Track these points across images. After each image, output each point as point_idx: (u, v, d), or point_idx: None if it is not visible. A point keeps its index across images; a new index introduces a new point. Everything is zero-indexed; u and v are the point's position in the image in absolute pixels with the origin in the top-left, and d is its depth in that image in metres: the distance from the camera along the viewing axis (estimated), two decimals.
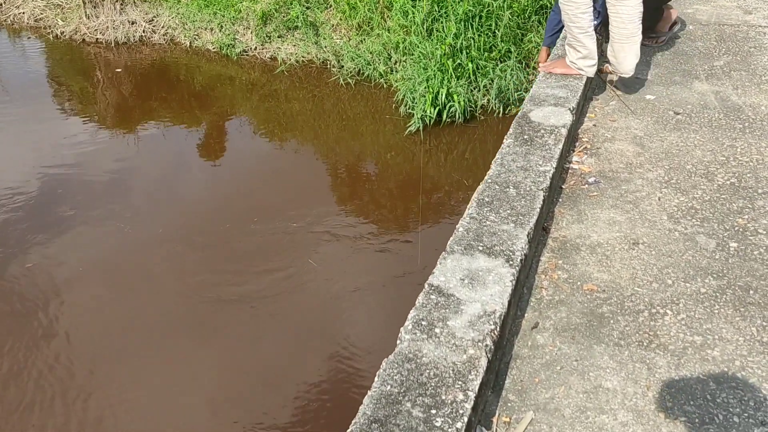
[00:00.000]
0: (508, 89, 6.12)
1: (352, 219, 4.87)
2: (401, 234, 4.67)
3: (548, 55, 4.18)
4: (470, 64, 6.16)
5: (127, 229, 4.71)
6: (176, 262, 4.35)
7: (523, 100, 3.11)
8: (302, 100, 7.00)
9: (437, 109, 5.96)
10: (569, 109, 2.93)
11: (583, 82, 3.19)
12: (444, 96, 5.94)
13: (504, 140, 2.72)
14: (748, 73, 3.42)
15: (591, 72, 3.25)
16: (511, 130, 2.80)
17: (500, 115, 6.13)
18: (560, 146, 2.66)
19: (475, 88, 6.28)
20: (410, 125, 6.03)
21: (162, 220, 4.85)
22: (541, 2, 6.45)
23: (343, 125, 6.59)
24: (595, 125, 3.09)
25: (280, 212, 4.89)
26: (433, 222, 4.81)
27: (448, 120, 6.06)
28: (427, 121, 5.99)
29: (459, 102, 5.98)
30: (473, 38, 6.31)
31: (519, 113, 2.94)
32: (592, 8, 3.13)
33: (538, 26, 6.50)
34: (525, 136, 2.74)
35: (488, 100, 6.24)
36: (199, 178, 5.62)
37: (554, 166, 2.53)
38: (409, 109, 6.20)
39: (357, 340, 3.60)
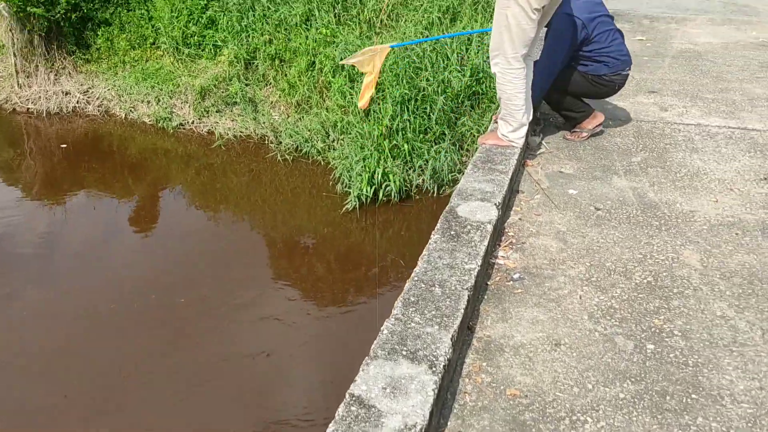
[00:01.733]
0: (443, 170, 6.25)
1: (284, 297, 4.79)
2: (333, 315, 4.61)
3: None
4: (406, 145, 6.28)
5: (48, 303, 4.50)
6: (93, 338, 4.16)
7: (457, 181, 3.19)
8: (239, 174, 6.96)
9: (373, 187, 6.02)
10: (495, 204, 3.01)
11: (509, 176, 3.30)
12: (380, 175, 6.01)
13: (431, 236, 2.76)
14: (664, 170, 3.61)
15: (520, 143, 3.57)
16: (438, 225, 2.84)
17: (435, 195, 6.23)
18: (486, 243, 2.71)
19: (410, 169, 6.39)
20: (347, 203, 6.05)
21: (85, 294, 4.66)
22: (473, 88, 6.70)
23: (280, 201, 6.57)
24: (520, 219, 3.18)
25: (209, 288, 4.78)
26: (365, 303, 4.78)
27: (384, 199, 6.11)
28: (364, 200, 6.02)
29: (395, 182, 6.05)
30: (409, 120, 6.46)
31: (447, 208, 3.00)
32: (528, 90, 3.45)
33: (470, 110, 6.72)
34: (452, 232, 2.79)
35: (423, 180, 6.34)
36: (127, 252, 5.46)
37: (479, 263, 2.57)
38: (345, 187, 6.24)
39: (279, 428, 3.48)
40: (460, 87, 6.65)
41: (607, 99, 4.53)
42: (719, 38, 6.48)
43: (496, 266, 2.81)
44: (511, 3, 3.31)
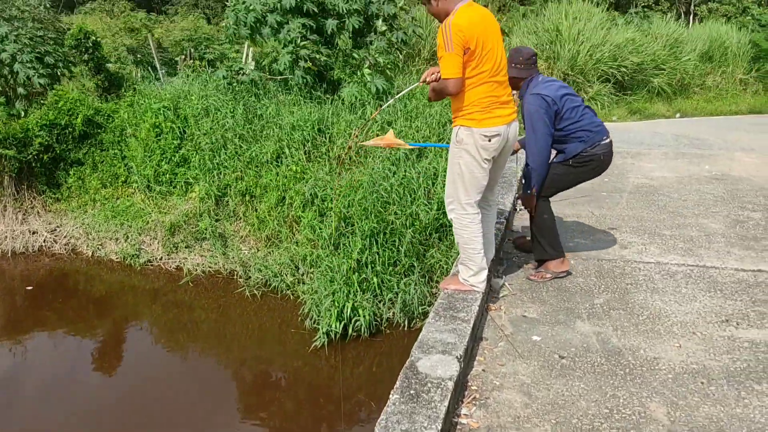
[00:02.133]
0: (413, 303, 6.19)
1: None
2: None
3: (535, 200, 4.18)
4: (375, 279, 6.25)
5: None
6: None
7: (427, 313, 3.14)
8: (207, 311, 6.84)
9: (343, 323, 5.92)
10: (457, 357, 2.94)
11: (471, 324, 3.25)
12: (349, 310, 5.93)
13: (390, 395, 2.66)
14: (626, 312, 3.60)
15: (482, 287, 3.58)
16: (398, 383, 2.75)
17: (406, 328, 6.14)
18: (446, 402, 2.61)
19: (380, 302, 6.32)
20: (315, 339, 5.92)
21: None
22: (440, 221, 6.80)
23: (248, 338, 6.42)
24: (484, 370, 3.10)
25: (176, 428, 4.57)
26: None
27: (354, 334, 6.00)
28: (333, 336, 5.90)
29: (364, 316, 5.97)
30: (378, 253, 6.48)
31: (407, 363, 2.92)
32: (482, 233, 3.54)
33: (438, 242, 6.78)
34: (411, 391, 2.69)
35: (393, 313, 6.26)
36: (89, 393, 5.26)
37: (440, 428, 2.46)
38: (314, 322, 6.13)
39: None
40: (428, 220, 6.74)
41: (568, 236, 4.61)
42: (674, 172, 6.69)
43: (459, 426, 2.70)
44: (463, 153, 3.44)
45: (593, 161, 4.12)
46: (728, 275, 3.94)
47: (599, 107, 12.63)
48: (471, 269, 3.58)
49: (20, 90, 10.23)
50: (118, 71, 10.56)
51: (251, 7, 8.46)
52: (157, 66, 11.15)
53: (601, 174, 4.30)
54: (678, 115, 13.41)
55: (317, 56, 8.21)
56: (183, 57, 11.75)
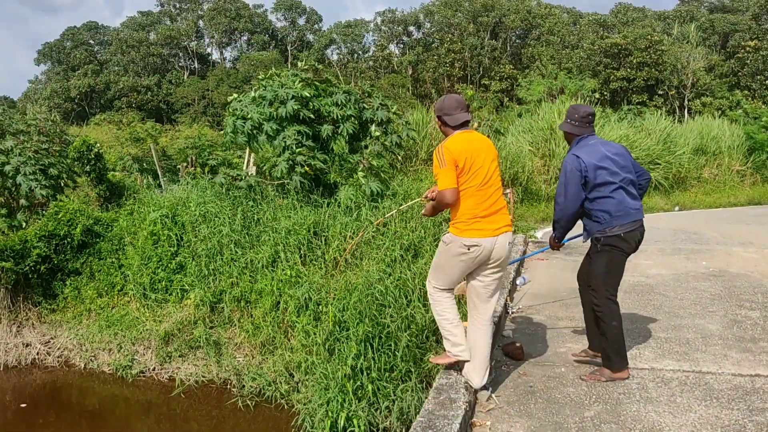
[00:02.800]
0: (410, 411, 5.98)
1: None
2: None
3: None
4: (370, 386, 6.07)
5: None
6: None
7: None
8: (199, 423, 6.65)
9: None
10: None
11: None
12: (343, 420, 5.72)
13: None
14: (619, 426, 3.39)
15: (465, 356, 3.82)
16: None
17: None
18: None
19: (376, 410, 6.11)
20: None
21: None
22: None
23: None
24: None
25: None
26: None
27: None
28: None
29: (359, 426, 5.75)
30: (374, 358, 6.33)
31: None
32: (455, 302, 3.88)
33: (435, 345, 6.63)
34: None
35: (390, 422, 6.03)
36: None
37: None
38: None
39: None
40: (424, 322, 6.63)
41: (560, 341, 4.48)
42: (670, 269, 6.55)
43: None
44: (446, 252, 3.87)
45: (613, 247, 4.05)
46: (725, 381, 3.74)
47: None
48: (449, 340, 3.91)
49: (22, 201, 10.43)
50: (119, 181, 10.78)
51: (248, 116, 8.72)
52: (159, 173, 11.40)
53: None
54: (677, 208, 13.48)
55: (312, 162, 8.37)
56: (185, 165, 12.03)
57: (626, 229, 4.02)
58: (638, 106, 27.82)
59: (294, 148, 8.44)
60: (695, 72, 37.42)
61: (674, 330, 4.62)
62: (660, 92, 37.55)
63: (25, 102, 54.68)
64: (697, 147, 16.14)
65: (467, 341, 3.88)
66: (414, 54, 52.31)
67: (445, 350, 4.05)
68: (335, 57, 59.05)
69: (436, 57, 48.92)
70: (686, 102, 37.28)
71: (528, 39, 51.26)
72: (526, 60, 48.76)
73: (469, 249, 3.70)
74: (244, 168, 10.38)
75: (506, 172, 12.59)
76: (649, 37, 36.73)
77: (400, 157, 13.53)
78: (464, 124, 3.84)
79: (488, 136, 14.75)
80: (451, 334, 3.87)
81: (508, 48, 51.66)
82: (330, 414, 5.76)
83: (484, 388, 3.87)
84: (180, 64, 62.29)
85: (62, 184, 11.12)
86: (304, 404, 6.20)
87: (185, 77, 58.66)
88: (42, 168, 10.74)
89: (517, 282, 6.48)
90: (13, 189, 10.59)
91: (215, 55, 64.99)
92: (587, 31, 45.23)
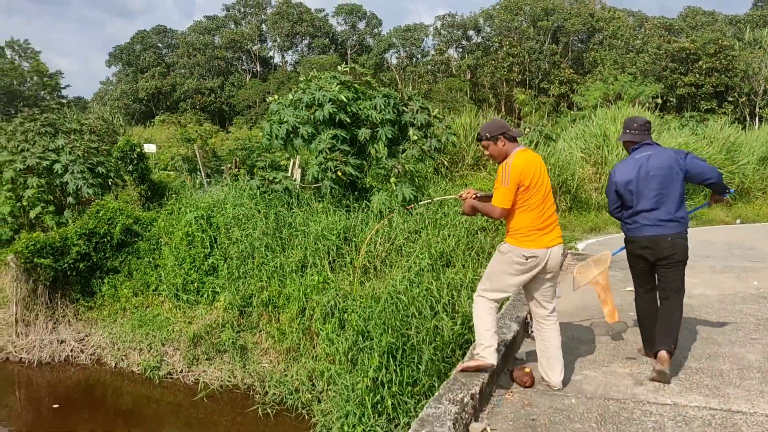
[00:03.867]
0: None
1: None
2: None
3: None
4: (390, 400, 5.84)
5: None
6: None
7: None
8: (217, 429, 6.57)
9: None
10: None
11: None
12: None
13: None
14: None
15: (492, 360, 3.86)
16: None
17: None
18: None
19: (396, 425, 5.87)
20: None
21: None
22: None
23: None
24: None
25: None
26: None
27: None
28: None
29: None
30: (396, 371, 6.10)
31: None
32: (495, 313, 3.99)
33: (462, 358, 6.35)
34: None
35: None
36: None
37: None
38: None
39: None
40: (451, 335, 6.36)
41: (576, 368, 4.12)
42: (717, 289, 5.89)
43: None
44: (503, 261, 3.97)
45: (631, 255, 4.40)
46: (756, 424, 3.23)
47: None
48: (482, 344, 3.94)
49: (70, 199, 10.67)
50: (162, 181, 10.90)
51: (284, 119, 8.64)
52: (201, 174, 11.47)
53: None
54: (738, 221, 12.71)
55: (344, 167, 8.21)
56: (229, 166, 12.08)
57: (639, 247, 4.29)
58: (703, 114, 26.58)
59: (327, 152, 8.29)
60: (767, 78, 35.58)
61: (708, 359, 4.11)
62: (730, 99, 35.81)
63: (96, 102, 56.76)
64: (763, 156, 15.21)
65: (537, 344, 4.06)
66: (473, 58, 51.70)
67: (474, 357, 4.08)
68: (394, 61, 58.98)
69: (494, 61, 48.21)
70: (757, 109, 35.48)
71: (590, 43, 49.88)
72: (588, 65, 47.46)
73: (527, 259, 3.87)
74: (290, 171, 10.33)
75: (554, 179, 12.12)
76: (718, 41, 35.11)
77: (446, 162, 13.27)
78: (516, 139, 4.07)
79: (537, 143, 14.39)
80: (484, 338, 3.94)
81: (570, 52, 50.42)
82: (346, 429, 5.56)
83: (477, 420, 3.57)
84: (243, 67, 63.42)
85: (110, 183, 11.35)
86: (324, 415, 6.03)
87: (247, 80, 59.70)
88: (90, 167, 10.97)
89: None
90: (62, 187, 10.86)
91: (277, 59, 65.92)
92: (653, 35, 43.46)
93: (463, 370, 4.01)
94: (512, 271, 3.91)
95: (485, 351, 3.92)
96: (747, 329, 4.72)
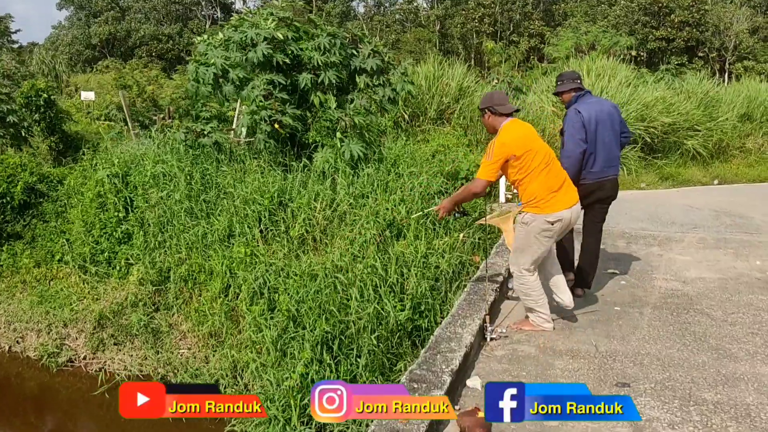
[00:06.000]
0: None
1: None
2: None
3: None
4: None
5: None
6: None
7: None
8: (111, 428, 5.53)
9: None
10: None
11: None
12: None
13: None
14: None
15: (550, 328, 4.13)
16: None
17: None
18: None
19: None
20: None
21: None
22: (416, 323, 5.38)
23: None
24: None
25: None
26: None
27: None
28: None
29: None
30: (330, 366, 5.07)
31: None
32: (539, 279, 4.09)
33: (412, 350, 5.34)
34: None
35: None
36: None
37: None
38: None
39: None
40: (396, 323, 5.33)
41: None
42: (715, 271, 4.92)
43: None
44: (528, 232, 3.97)
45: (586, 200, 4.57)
46: None
47: (625, 172, 11.17)
48: (540, 315, 4.09)
49: None
50: (78, 132, 9.53)
51: (211, 62, 7.35)
52: (129, 125, 10.12)
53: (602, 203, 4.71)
54: (716, 181, 11.87)
55: (279, 116, 7.00)
56: (161, 116, 10.71)
57: (593, 180, 4.59)
58: (677, 67, 25.69)
59: (261, 100, 7.07)
60: (738, 34, 34.82)
61: (726, 385, 3.10)
62: (700, 54, 35.04)
63: (46, 49, 53.73)
64: (742, 114, 14.33)
65: (541, 282, 4.12)
66: (442, 8, 49.96)
67: (527, 319, 4.22)
68: (361, 9, 56.89)
69: (464, 11, 46.55)
70: (727, 65, 34.80)
71: None
72: (559, 17, 46.16)
73: (552, 224, 3.91)
74: (234, 123, 9.07)
75: None
76: None
77: (406, 116, 12.09)
78: (513, 114, 4.06)
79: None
80: (540, 306, 4.05)
81: (541, 3, 48.95)
82: None
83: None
84: (202, 12, 60.46)
85: (23, 134, 9.92)
86: (241, 421, 5.01)
87: (207, 26, 56.98)
88: (0, 115, 9.55)
89: (509, 286, 5.05)
90: None
91: (238, 5, 62.99)
92: None
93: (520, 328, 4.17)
94: (541, 239, 3.94)
95: (547, 325, 4.10)
96: (764, 333, 3.74)
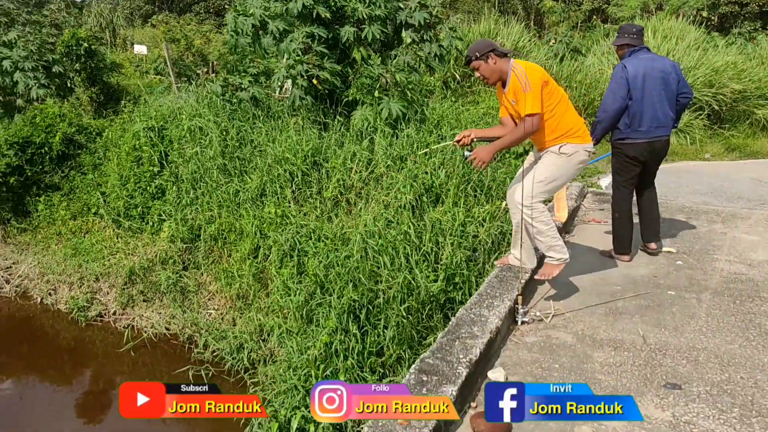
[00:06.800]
0: None
1: None
2: None
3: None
4: (343, 376, 4.57)
5: None
6: None
7: None
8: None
9: None
10: None
11: None
12: (295, 426, 4.27)
13: None
14: None
15: (567, 255, 3.94)
16: None
17: None
18: None
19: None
20: None
21: None
22: (449, 295, 5.05)
23: None
24: None
25: None
26: None
27: None
28: None
29: None
30: (356, 337, 4.80)
31: None
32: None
33: (444, 324, 5.02)
34: None
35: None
36: None
37: None
38: None
39: None
40: (428, 295, 5.01)
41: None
42: None
43: None
44: (563, 162, 3.84)
45: (626, 157, 4.61)
46: None
47: (689, 141, 10.44)
48: (557, 247, 3.90)
49: (19, 101, 9.29)
50: (119, 84, 9.40)
51: (250, 12, 7.03)
52: (172, 79, 9.96)
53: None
54: None
55: (318, 72, 6.65)
56: (204, 70, 10.52)
57: (634, 151, 4.53)
58: (751, 32, 24.03)
59: (300, 53, 6.73)
60: None
61: None
62: None
63: (104, 3, 54.34)
64: None
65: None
66: None
67: (548, 264, 3.98)
68: None
69: None
70: None
71: None
72: None
73: (590, 154, 3.91)
74: (280, 80, 8.76)
75: (580, 99, 10.42)
76: None
77: (457, 75, 11.58)
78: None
79: (563, 56, 12.55)
80: (556, 237, 3.92)
81: None
82: (283, 413, 4.33)
83: None
84: None
85: (69, 85, 9.88)
86: (263, 388, 4.81)
87: None
88: (46, 65, 9.50)
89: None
90: (13, 88, 9.45)
91: None
92: None
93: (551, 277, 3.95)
94: (574, 170, 3.93)
95: (566, 254, 3.92)
96: None
